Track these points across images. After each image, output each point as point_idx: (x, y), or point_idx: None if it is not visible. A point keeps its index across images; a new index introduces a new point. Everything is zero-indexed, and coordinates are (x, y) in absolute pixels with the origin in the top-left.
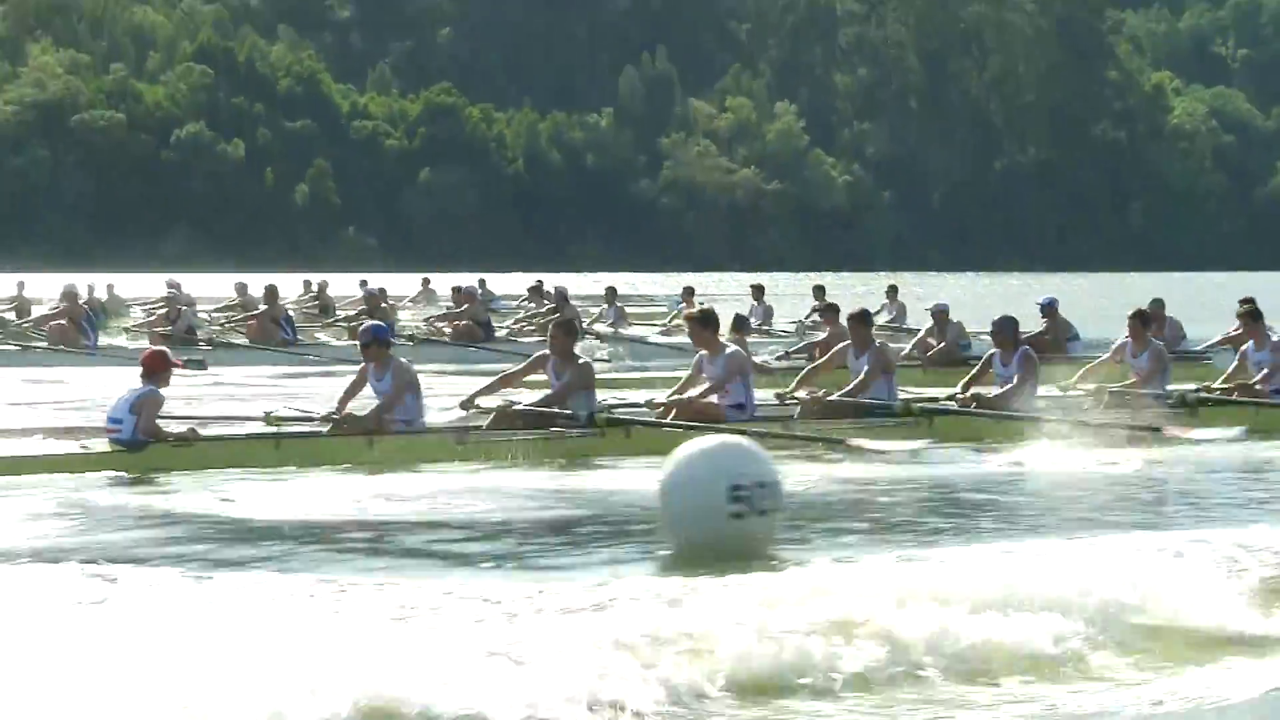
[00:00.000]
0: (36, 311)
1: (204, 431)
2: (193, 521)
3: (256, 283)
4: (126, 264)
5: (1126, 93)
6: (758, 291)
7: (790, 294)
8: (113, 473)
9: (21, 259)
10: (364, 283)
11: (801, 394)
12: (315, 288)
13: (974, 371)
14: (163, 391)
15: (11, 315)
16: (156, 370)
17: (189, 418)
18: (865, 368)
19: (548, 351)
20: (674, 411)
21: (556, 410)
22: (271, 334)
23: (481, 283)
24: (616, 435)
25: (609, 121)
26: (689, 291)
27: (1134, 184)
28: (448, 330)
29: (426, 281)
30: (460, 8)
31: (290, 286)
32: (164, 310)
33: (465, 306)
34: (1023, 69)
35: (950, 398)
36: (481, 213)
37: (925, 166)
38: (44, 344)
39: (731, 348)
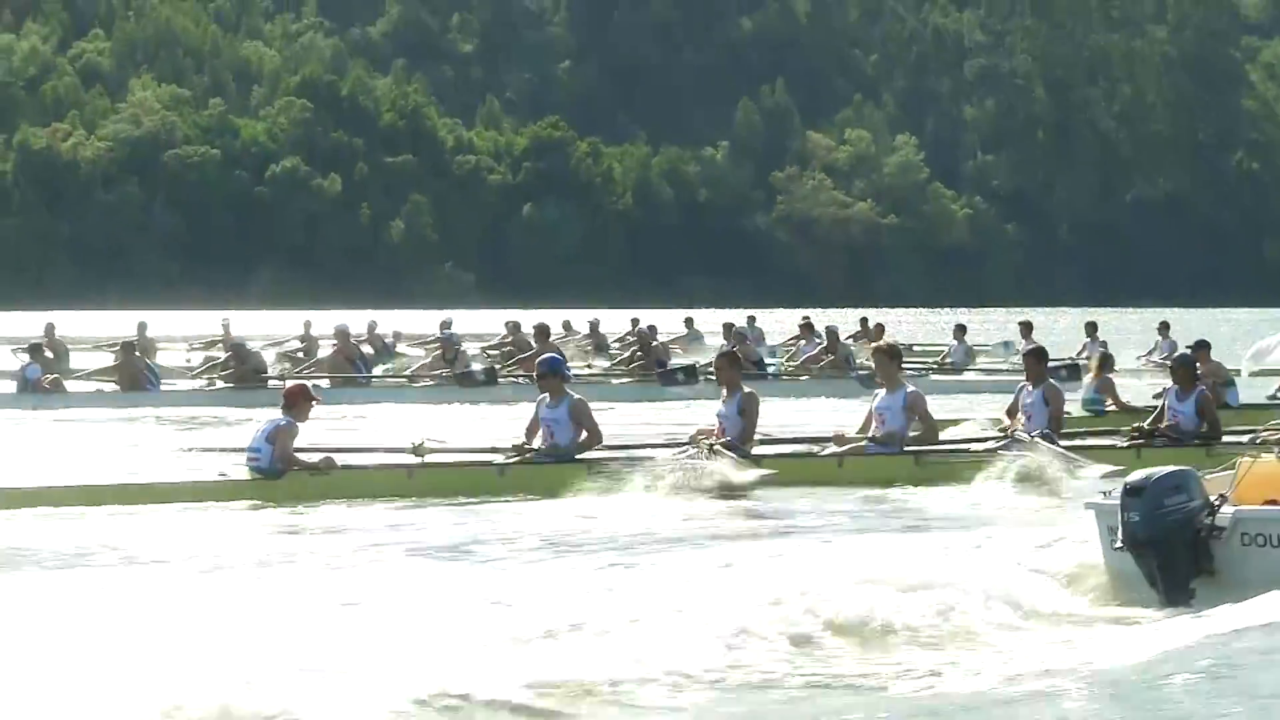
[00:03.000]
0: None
1: (349, 460)
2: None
3: (359, 320)
4: (215, 300)
5: (1263, 122)
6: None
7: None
8: (249, 500)
9: (112, 295)
10: (635, 321)
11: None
12: (588, 326)
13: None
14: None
15: (301, 355)
16: (295, 403)
17: (339, 449)
18: (1038, 400)
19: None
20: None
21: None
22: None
23: (751, 319)
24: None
25: (723, 155)
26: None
27: (1269, 216)
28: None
29: (690, 321)
30: (580, 40)
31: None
32: (439, 350)
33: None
34: (1152, 98)
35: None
36: (585, 248)
37: (1052, 199)
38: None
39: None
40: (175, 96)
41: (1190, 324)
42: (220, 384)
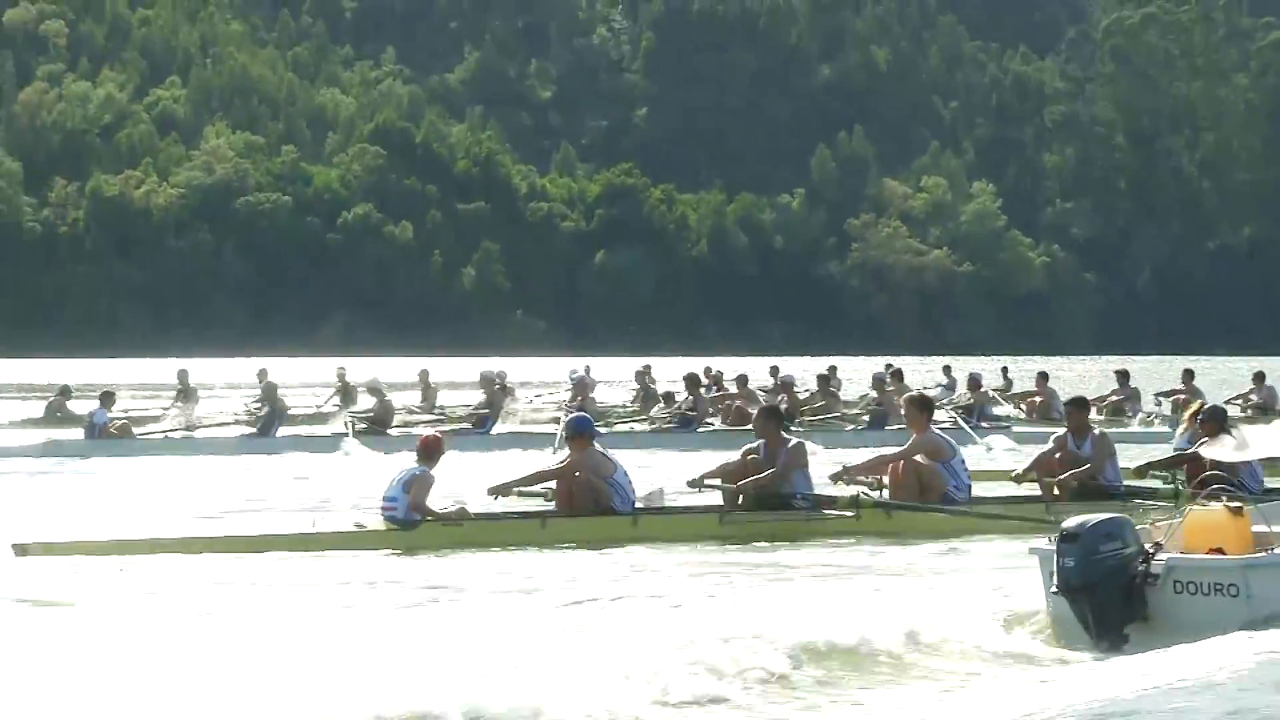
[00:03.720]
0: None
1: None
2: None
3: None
4: (286, 348)
5: None
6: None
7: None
8: (386, 550)
9: (182, 342)
10: (775, 369)
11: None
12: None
13: None
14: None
15: (422, 403)
16: (430, 453)
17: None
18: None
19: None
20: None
21: (787, 492)
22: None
23: (893, 368)
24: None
25: (799, 202)
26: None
27: None
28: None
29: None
30: (658, 87)
31: (445, 370)
32: (572, 395)
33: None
34: (1236, 146)
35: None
36: (658, 295)
37: (1131, 247)
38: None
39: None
40: (249, 144)
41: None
42: (352, 434)
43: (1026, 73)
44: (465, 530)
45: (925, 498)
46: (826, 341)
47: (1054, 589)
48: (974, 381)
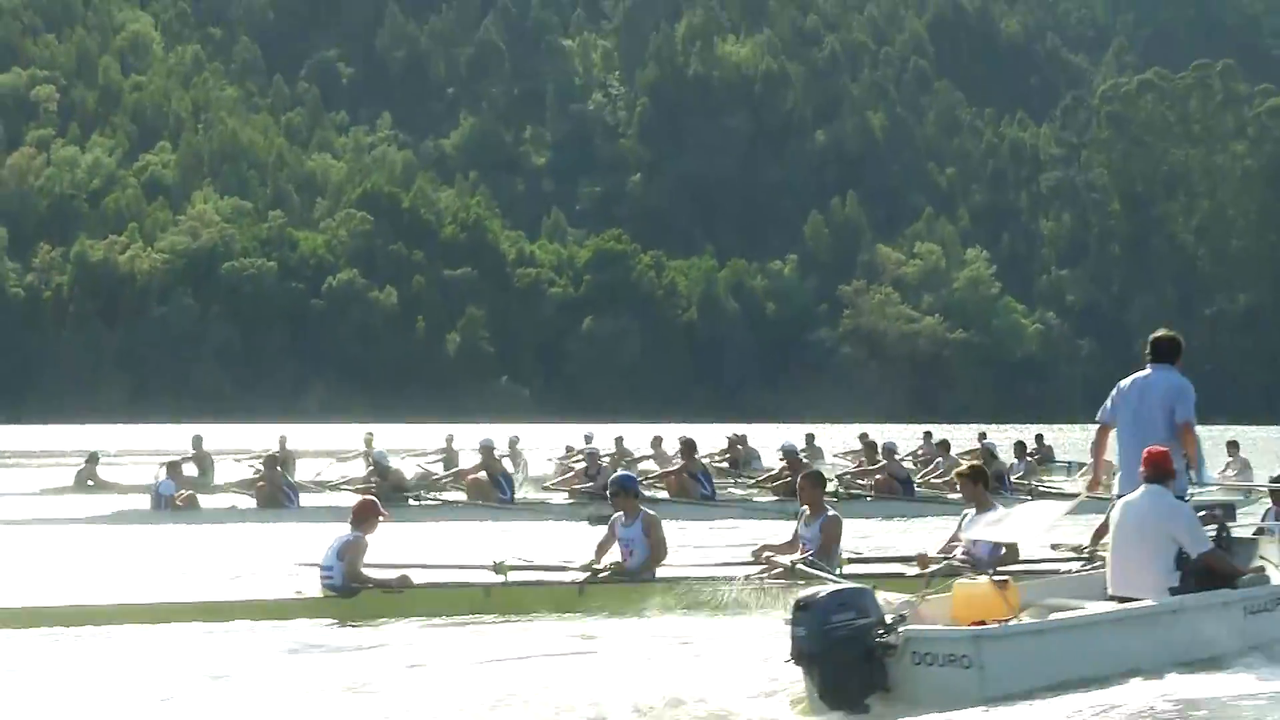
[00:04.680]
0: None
1: (429, 577)
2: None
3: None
4: (268, 414)
5: None
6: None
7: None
8: (322, 618)
9: (165, 409)
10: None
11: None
12: (731, 441)
13: None
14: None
15: (439, 468)
16: (365, 518)
17: (419, 565)
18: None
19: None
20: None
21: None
22: (689, 489)
23: (932, 437)
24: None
25: (791, 268)
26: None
27: None
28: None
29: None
30: (653, 153)
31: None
32: (583, 465)
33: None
34: (1233, 213)
35: None
36: (646, 362)
37: (1127, 314)
38: (463, 498)
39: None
40: (236, 208)
41: (1262, 441)
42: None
43: (1022, 139)
44: (406, 598)
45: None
46: (817, 409)
47: (787, 659)
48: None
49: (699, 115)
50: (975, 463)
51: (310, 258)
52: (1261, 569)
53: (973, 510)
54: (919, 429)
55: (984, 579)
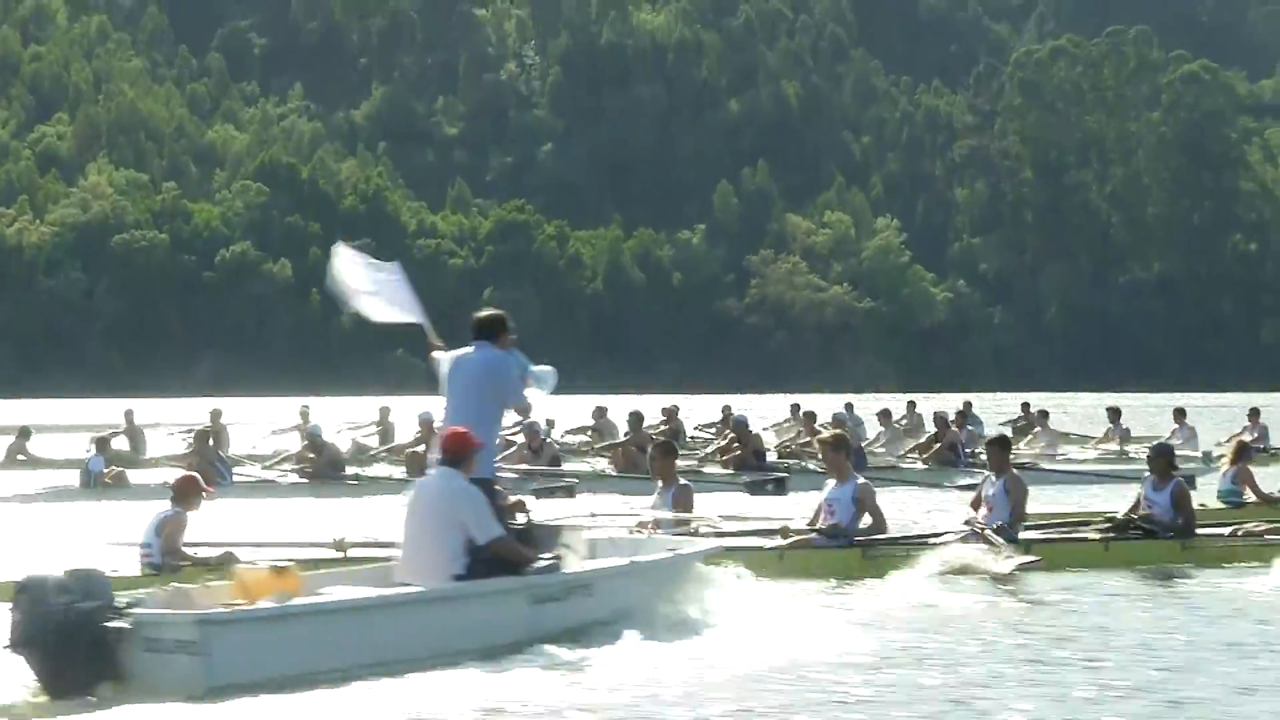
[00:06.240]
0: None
1: (258, 555)
2: None
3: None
4: (159, 389)
5: (1260, 203)
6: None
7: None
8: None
9: (55, 383)
10: (727, 408)
11: None
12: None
13: None
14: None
15: (374, 441)
16: (186, 494)
17: (263, 544)
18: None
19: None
20: None
21: None
22: (638, 462)
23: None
24: None
25: (700, 238)
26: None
27: (1267, 299)
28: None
29: (796, 408)
30: (567, 123)
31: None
32: (522, 439)
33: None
34: (1147, 180)
35: None
36: (547, 332)
37: (1040, 282)
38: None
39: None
40: (131, 180)
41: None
42: (294, 477)
43: (938, 106)
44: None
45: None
46: (726, 379)
47: (5, 644)
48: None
49: (612, 85)
50: (838, 431)
51: (204, 230)
52: (558, 558)
53: (834, 481)
54: (833, 398)
55: (264, 565)
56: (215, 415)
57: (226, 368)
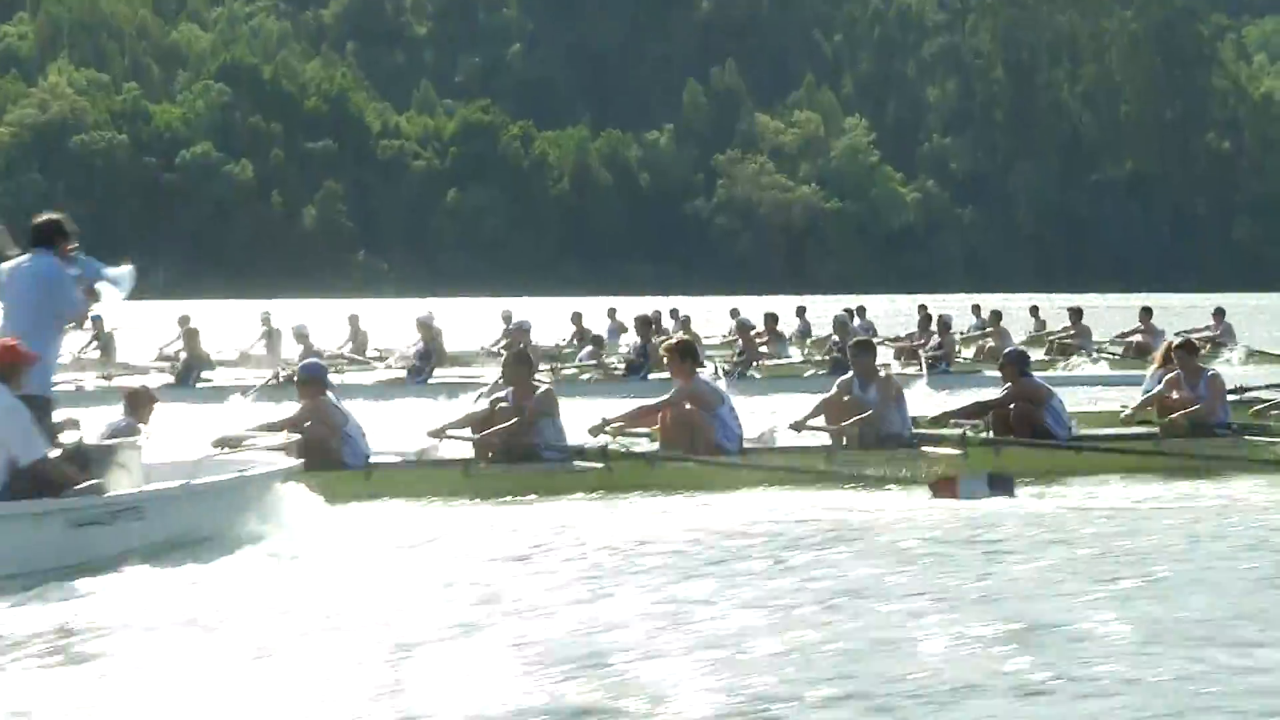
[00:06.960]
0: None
1: None
2: None
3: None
4: None
5: (1234, 101)
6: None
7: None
8: None
9: None
10: (735, 311)
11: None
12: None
13: None
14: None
15: (347, 349)
16: (136, 405)
17: None
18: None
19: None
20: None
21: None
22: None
23: (861, 309)
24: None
25: (668, 139)
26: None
27: (1239, 197)
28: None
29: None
30: (536, 23)
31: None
32: (505, 341)
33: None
34: (1119, 79)
35: None
36: (513, 235)
37: (1010, 182)
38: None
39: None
40: (91, 81)
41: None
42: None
43: (909, 4)
44: None
45: (696, 449)
46: (694, 281)
47: None
48: (944, 324)
49: None
50: (684, 337)
51: (165, 131)
52: (102, 481)
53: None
54: (795, 300)
55: None
56: (184, 321)
57: (186, 270)
